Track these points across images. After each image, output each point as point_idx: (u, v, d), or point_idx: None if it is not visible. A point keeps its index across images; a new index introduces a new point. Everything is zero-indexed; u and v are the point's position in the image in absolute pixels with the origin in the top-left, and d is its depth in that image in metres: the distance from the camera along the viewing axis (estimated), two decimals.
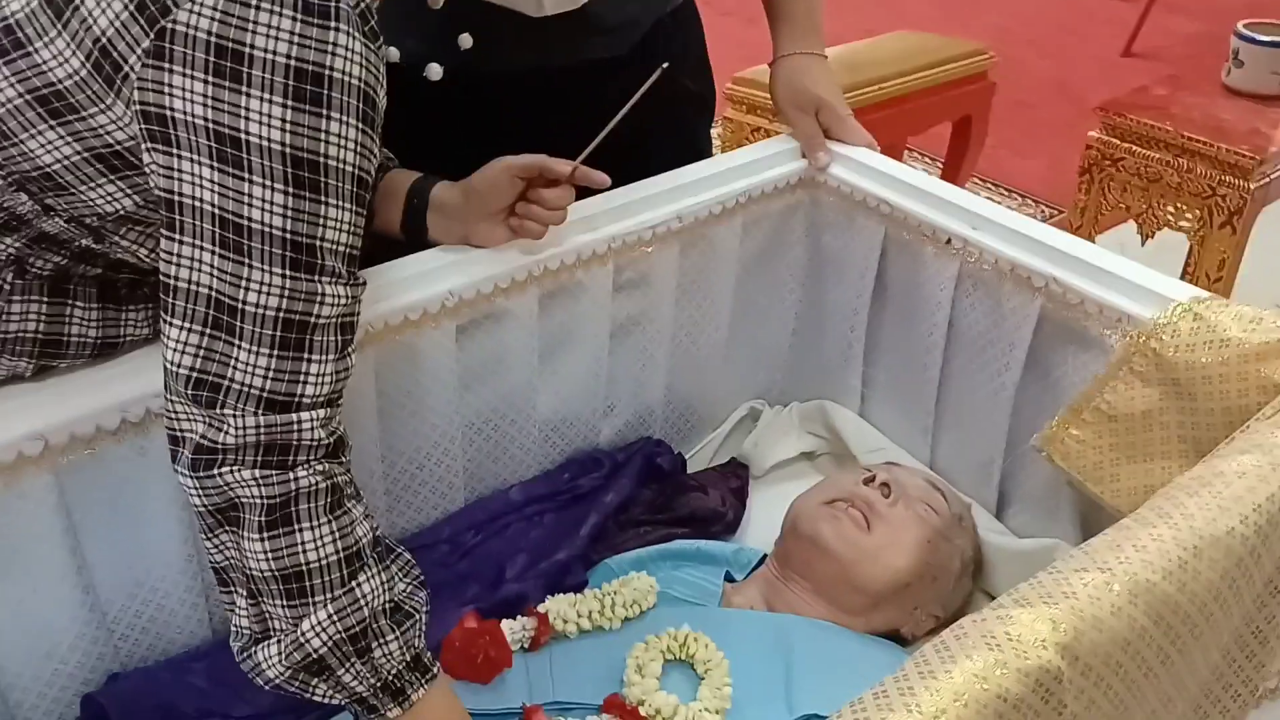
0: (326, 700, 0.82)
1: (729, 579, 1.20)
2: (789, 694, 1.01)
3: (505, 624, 1.05)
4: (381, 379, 1.07)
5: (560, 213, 1.09)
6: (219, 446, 0.76)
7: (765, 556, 1.21)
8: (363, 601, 0.80)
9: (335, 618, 0.79)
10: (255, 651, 0.81)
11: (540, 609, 1.08)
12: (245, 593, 0.80)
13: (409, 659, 0.83)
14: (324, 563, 0.79)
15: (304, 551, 0.78)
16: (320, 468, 0.78)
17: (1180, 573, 0.76)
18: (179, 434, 0.77)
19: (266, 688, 0.82)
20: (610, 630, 1.07)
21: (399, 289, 1.05)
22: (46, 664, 0.97)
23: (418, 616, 0.84)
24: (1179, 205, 1.91)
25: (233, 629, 0.82)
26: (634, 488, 1.26)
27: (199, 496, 0.77)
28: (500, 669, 1.01)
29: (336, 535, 0.79)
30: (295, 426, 0.77)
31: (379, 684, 0.82)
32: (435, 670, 0.85)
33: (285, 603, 0.79)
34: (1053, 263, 1.11)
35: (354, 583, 0.80)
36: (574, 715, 0.97)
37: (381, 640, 0.81)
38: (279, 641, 0.79)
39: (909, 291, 1.28)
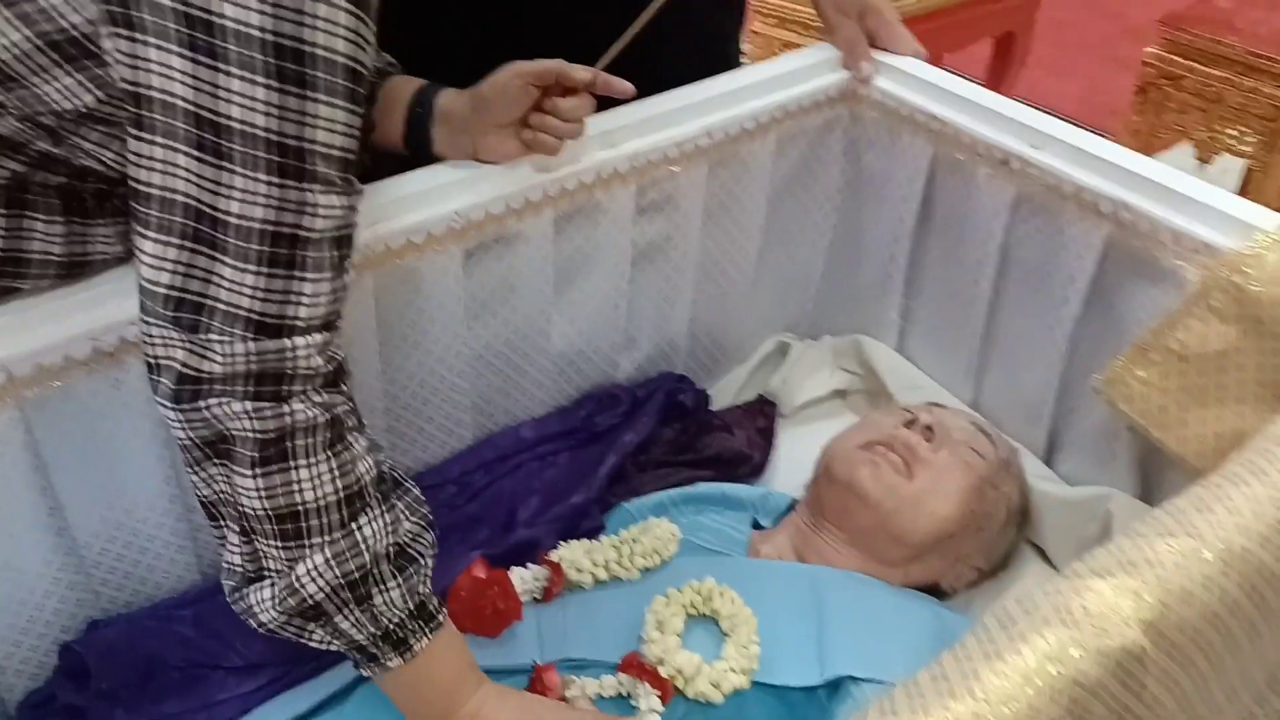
0: (324, 647, 0.76)
1: (756, 526, 1.12)
2: (821, 653, 0.93)
3: (515, 573, 0.98)
4: (382, 307, 0.98)
5: (577, 125, 0.98)
6: (204, 375, 0.67)
7: (795, 502, 1.13)
8: (363, 545, 0.72)
9: (333, 562, 0.72)
10: (248, 593, 0.74)
11: (553, 557, 1.00)
12: (237, 529, 0.73)
13: (412, 607, 0.75)
14: (322, 503, 0.71)
15: (300, 491, 0.70)
16: (319, 399, 0.70)
17: (1279, 538, 0.67)
18: (158, 361, 0.69)
19: (260, 631, 0.75)
20: (628, 581, 0.99)
21: (400, 208, 0.96)
22: (21, 611, 0.90)
23: (423, 561, 0.77)
24: (1241, 128, 1.78)
25: (224, 566, 0.75)
26: (655, 426, 1.18)
27: (183, 429, 0.69)
28: (509, 622, 0.93)
29: (336, 473, 0.71)
30: (289, 353, 0.68)
31: (379, 633, 0.75)
32: (441, 618, 0.78)
33: (280, 544, 0.71)
34: (1123, 185, 1.01)
35: (354, 525, 0.72)
36: (589, 674, 0.90)
37: (382, 587, 0.74)
38: (273, 584, 0.72)
39: (958, 217, 1.17)
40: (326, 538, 0.71)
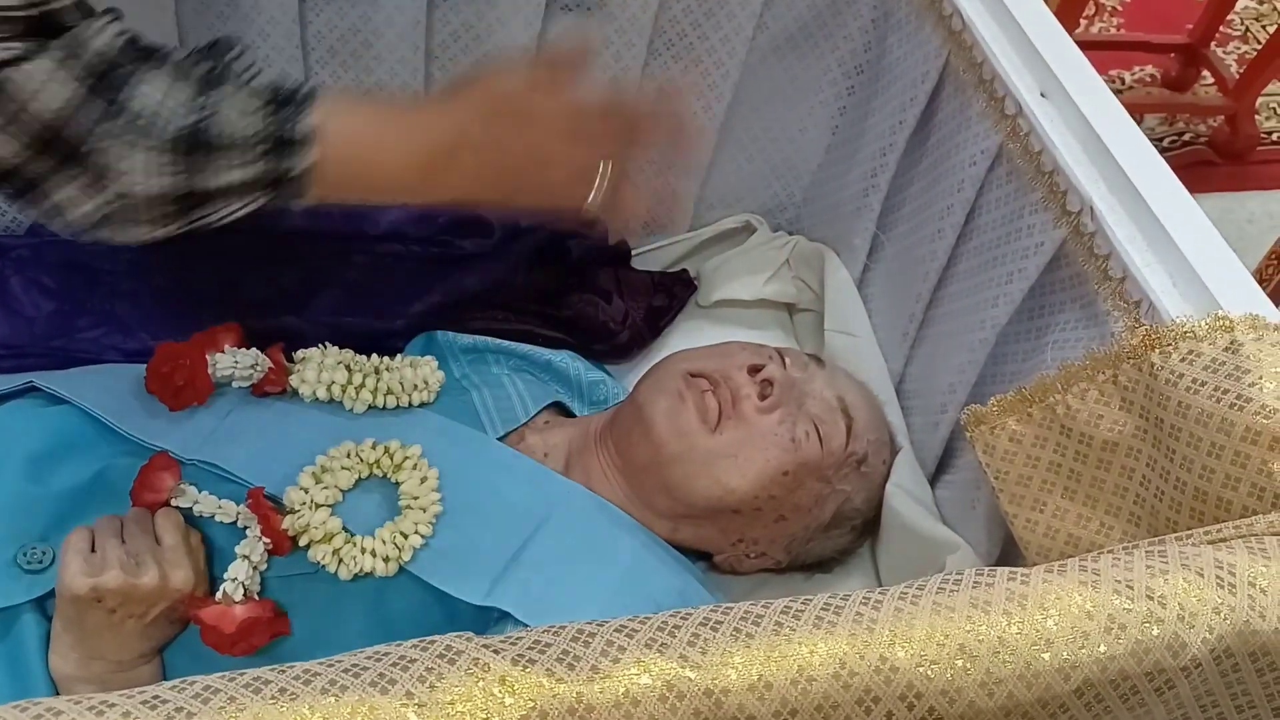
0: (233, 213, 0.63)
1: (563, 411, 0.97)
2: (500, 576, 0.79)
3: (234, 354, 0.87)
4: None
5: None
6: None
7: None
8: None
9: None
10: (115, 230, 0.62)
11: (297, 355, 0.89)
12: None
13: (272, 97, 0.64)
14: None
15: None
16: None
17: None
18: None
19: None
20: (350, 412, 0.87)
21: None
22: None
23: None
24: None
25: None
26: (512, 273, 1.01)
27: None
28: (189, 402, 0.84)
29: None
30: None
31: (268, 139, 0.62)
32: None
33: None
34: (1107, 183, 0.73)
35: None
36: (216, 493, 0.79)
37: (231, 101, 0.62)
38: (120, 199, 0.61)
39: (944, 149, 0.91)
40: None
